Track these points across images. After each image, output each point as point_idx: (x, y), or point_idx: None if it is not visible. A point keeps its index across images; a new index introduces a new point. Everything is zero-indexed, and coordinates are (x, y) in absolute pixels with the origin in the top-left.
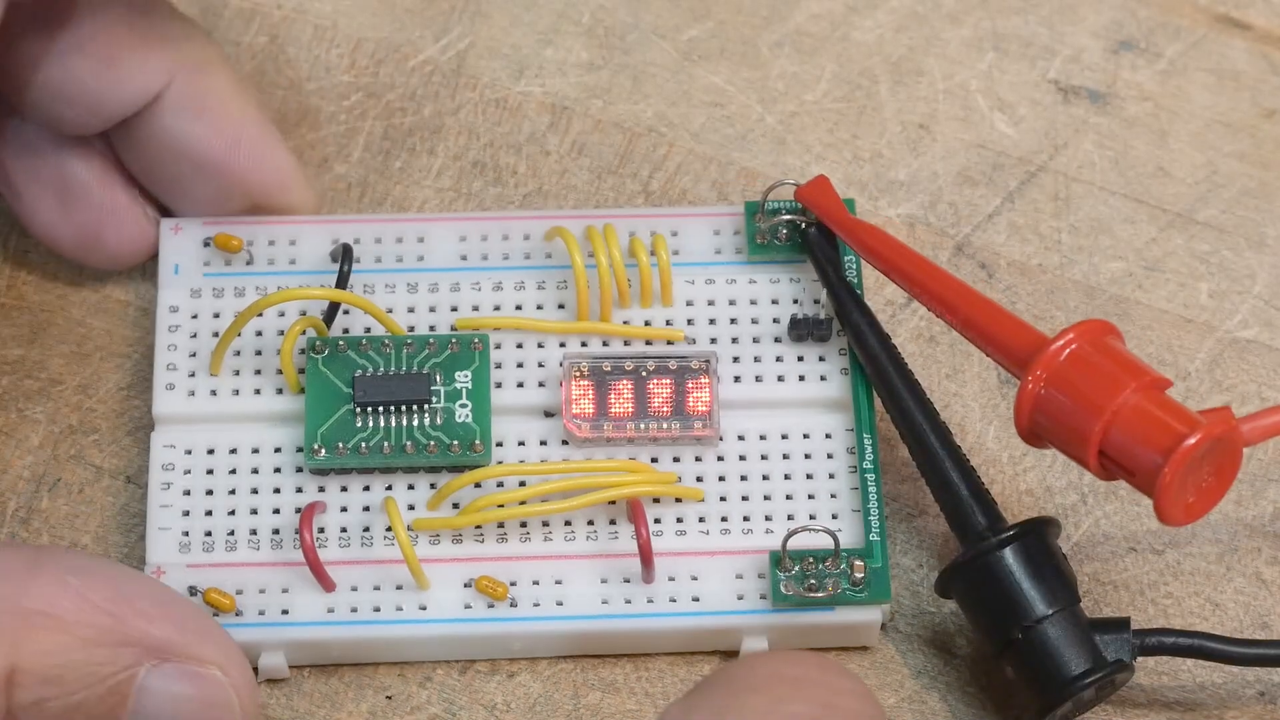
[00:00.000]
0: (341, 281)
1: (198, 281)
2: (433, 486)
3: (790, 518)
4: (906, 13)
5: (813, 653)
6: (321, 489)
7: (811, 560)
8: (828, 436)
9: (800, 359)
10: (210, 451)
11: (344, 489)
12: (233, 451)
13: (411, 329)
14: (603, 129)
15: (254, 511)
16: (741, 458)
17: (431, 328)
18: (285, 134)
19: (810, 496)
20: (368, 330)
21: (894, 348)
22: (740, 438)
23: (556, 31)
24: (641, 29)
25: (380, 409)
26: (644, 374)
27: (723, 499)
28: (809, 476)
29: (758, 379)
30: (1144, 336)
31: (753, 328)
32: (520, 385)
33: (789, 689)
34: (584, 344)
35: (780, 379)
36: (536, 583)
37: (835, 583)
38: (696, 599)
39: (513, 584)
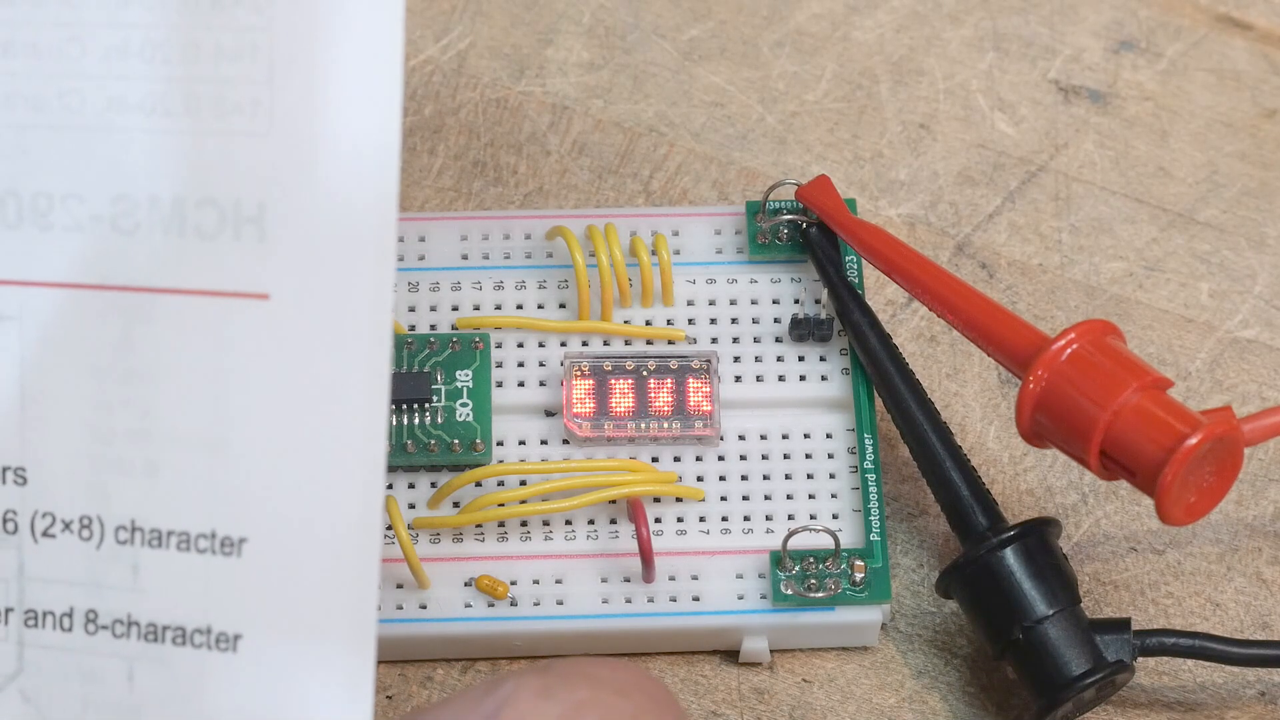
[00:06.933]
0: None
1: None
2: (433, 485)
3: (790, 517)
4: (907, 13)
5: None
6: None
7: (812, 560)
8: (828, 436)
9: (801, 359)
10: None
11: None
12: None
13: (412, 328)
14: (603, 129)
15: None
16: (742, 457)
17: (432, 327)
18: None
19: (811, 496)
20: None
21: (895, 347)
22: (741, 437)
23: (557, 31)
24: (642, 29)
25: None
26: (645, 373)
27: (723, 499)
28: (809, 476)
29: (758, 379)
30: (1145, 336)
31: (754, 327)
32: (521, 384)
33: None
34: (585, 343)
35: (781, 379)
36: (537, 582)
37: (835, 583)
38: (697, 599)
39: (513, 583)
